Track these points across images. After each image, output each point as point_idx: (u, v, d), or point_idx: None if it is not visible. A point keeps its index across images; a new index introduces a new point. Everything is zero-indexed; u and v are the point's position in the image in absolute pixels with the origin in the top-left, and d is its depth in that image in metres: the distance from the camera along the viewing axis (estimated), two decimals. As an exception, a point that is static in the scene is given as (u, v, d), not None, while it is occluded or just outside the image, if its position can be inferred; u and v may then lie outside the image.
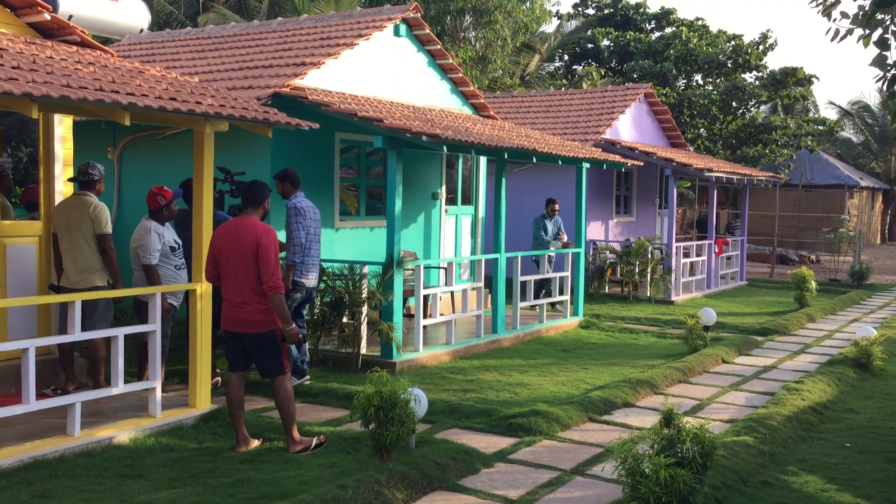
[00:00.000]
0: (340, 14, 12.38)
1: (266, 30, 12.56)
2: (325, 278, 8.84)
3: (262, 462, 5.80)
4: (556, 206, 14.02)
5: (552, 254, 13.01)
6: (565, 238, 13.89)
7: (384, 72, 11.34)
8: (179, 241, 7.54)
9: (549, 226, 13.88)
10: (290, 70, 9.93)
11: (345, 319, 8.97)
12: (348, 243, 10.62)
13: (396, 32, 11.52)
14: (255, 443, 6.17)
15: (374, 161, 11.32)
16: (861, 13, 6.19)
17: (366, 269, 9.06)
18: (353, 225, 10.77)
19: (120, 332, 6.35)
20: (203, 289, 6.80)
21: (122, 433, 6.21)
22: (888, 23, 6.17)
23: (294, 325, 6.04)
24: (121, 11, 9.78)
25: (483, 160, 13.36)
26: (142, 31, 11.22)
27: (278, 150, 9.49)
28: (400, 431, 5.50)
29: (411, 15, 11.53)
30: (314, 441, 6.07)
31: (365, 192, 11.14)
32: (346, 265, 9.03)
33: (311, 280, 8.00)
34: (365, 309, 8.87)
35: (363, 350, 9.00)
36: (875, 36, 6.17)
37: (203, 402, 6.86)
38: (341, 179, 10.65)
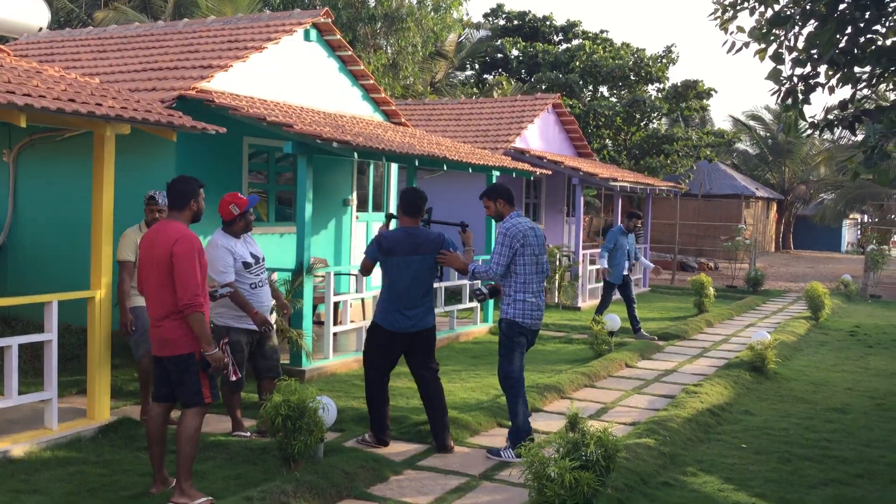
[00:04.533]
0: (249, 17, 12.21)
1: (171, 30, 12.27)
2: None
3: (165, 474, 5.65)
4: (639, 221, 12.57)
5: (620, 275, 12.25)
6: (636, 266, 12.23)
7: (294, 77, 11.23)
8: (259, 255, 6.66)
9: (625, 243, 12.46)
10: (196, 72, 9.73)
11: (252, 327, 8.82)
12: (256, 250, 10.45)
13: (307, 37, 11.43)
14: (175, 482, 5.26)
15: (284, 167, 11.19)
16: (758, 28, 6.47)
17: (275, 276, 8.95)
18: (263, 231, 10.61)
19: (14, 342, 6.09)
20: (101, 296, 6.59)
21: (17, 446, 5.96)
22: (783, 38, 6.48)
23: (217, 349, 5.17)
24: (18, 9, 9.41)
25: (395, 167, 13.36)
26: (40, 29, 10.82)
27: (183, 155, 9.28)
28: (308, 440, 5.44)
29: (322, 20, 11.46)
30: (201, 500, 5.10)
31: (274, 197, 11.00)
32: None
33: (534, 320, 6.52)
34: (274, 316, 8.74)
35: (271, 358, 8.86)
36: (770, 50, 6.46)
37: (102, 414, 6.64)
38: (250, 185, 10.49)
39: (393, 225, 7.23)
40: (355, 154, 9.23)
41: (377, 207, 13.14)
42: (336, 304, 10.01)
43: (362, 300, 11.40)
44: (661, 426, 7.08)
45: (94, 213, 6.64)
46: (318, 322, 10.39)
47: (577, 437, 4.79)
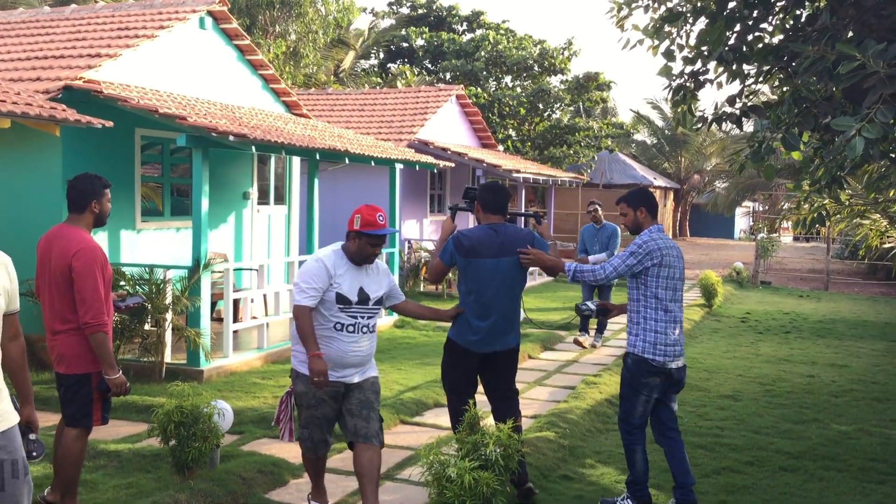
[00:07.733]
0: (140, 3, 11.75)
1: (58, 17, 11.71)
2: (123, 284, 8.37)
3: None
4: (594, 208, 11.28)
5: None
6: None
7: (189, 67, 10.87)
8: (370, 297, 4.89)
9: (593, 240, 11.48)
10: (83, 61, 9.30)
11: (147, 326, 8.54)
12: (152, 245, 10.11)
13: (202, 25, 11.08)
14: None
15: (181, 158, 10.84)
16: (651, 25, 6.61)
17: (171, 273, 8.67)
18: (158, 226, 10.27)
19: None
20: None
21: None
22: (675, 36, 6.64)
23: (120, 372, 4.74)
24: None
25: (297, 159, 13.13)
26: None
27: (71, 148, 8.86)
28: (203, 447, 5.26)
29: (217, 7, 11.13)
30: None
31: (170, 190, 10.65)
32: (148, 269, 8.60)
33: (669, 357, 5.37)
34: (169, 315, 8.47)
35: (168, 359, 8.60)
36: (662, 48, 6.61)
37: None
38: (144, 178, 10.11)
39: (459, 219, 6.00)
40: (253, 148, 9.01)
41: (279, 200, 12.89)
42: (236, 301, 9.79)
43: (264, 296, 11.19)
44: (561, 418, 7.18)
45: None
46: (218, 319, 10.14)
47: (477, 436, 4.78)
